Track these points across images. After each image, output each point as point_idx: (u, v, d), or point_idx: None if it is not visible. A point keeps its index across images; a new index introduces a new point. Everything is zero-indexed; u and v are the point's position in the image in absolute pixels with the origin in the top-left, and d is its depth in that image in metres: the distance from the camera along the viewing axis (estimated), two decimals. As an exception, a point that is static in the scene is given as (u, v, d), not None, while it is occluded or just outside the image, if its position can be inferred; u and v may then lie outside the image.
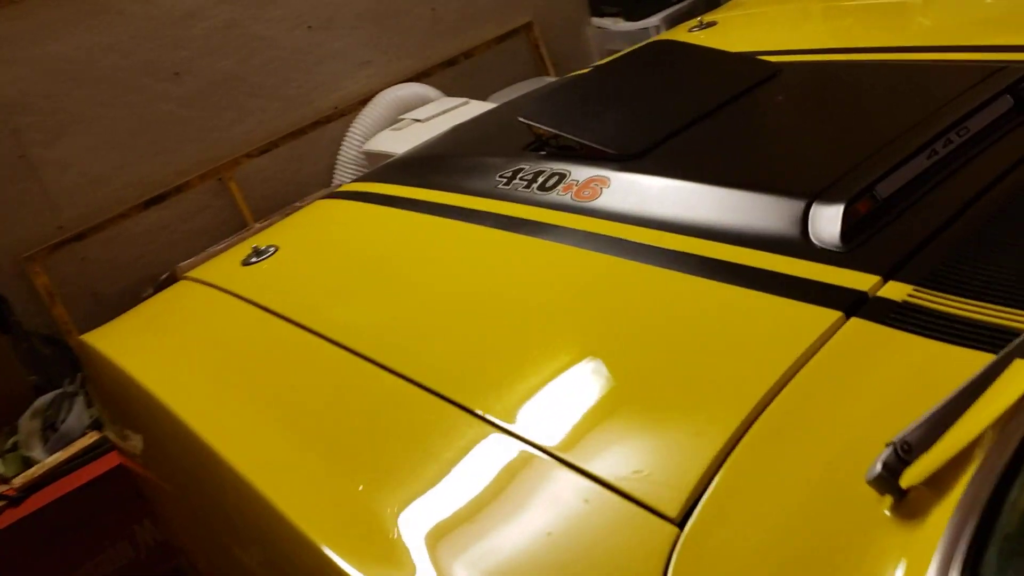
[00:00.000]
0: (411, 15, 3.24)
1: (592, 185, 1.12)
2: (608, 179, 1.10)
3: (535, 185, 1.19)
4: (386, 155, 2.48)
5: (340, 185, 2.65)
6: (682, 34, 1.91)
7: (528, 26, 3.49)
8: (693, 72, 1.30)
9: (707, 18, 1.87)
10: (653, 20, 3.24)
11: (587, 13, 3.58)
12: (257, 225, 2.57)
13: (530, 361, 0.88)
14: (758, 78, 1.22)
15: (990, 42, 1.21)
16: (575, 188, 1.13)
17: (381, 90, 3.11)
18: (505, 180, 1.26)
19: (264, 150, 3.03)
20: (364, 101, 3.13)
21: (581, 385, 0.82)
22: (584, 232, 1.05)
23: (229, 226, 2.91)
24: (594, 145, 1.15)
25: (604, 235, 1.03)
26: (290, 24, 3.02)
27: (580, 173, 1.15)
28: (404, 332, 1.03)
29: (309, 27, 3.04)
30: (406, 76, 3.23)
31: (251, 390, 1.04)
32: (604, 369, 0.83)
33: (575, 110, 1.27)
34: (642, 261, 0.96)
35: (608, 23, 3.46)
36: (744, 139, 1.12)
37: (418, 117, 2.64)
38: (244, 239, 1.53)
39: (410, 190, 1.43)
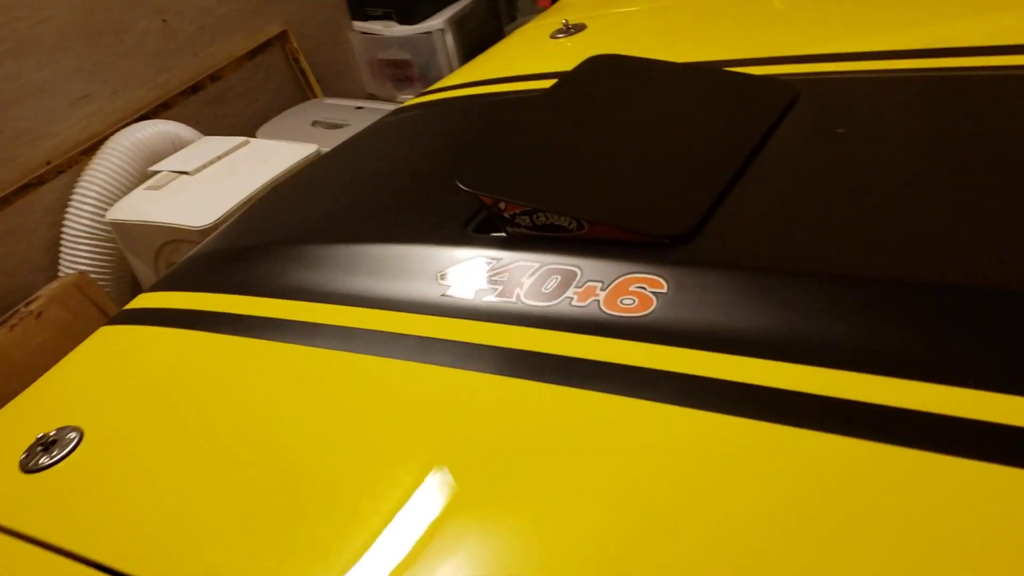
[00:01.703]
0: (135, 30, 2.56)
1: (634, 289, 0.71)
2: (662, 280, 0.70)
3: (520, 291, 0.77)
4: (147, 226, 1.85)
5: (77, 272, 1.98)
6: (544, 40, 1.55)
7: (282, 36, 2.93)
8: (688, 98, 0.93)
9: (573, 20, 1.52)
10: (436, 22, 2.84)
11: (347, 17, 3.09)
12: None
13: None
14: (780, 101, 0.88)
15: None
16: (602, 295, 0.72)
17: (111, 133, 2.41)
18: (451, 283, 0.81)
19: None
20: (89, 150, 2.41)
21: None
22: (660, 375, 0.65)
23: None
24: (621, 226, 0.75)
25: (699, 377, 0.63)
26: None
27: (602, 270, 0.74)
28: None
29: (-7, 54, 2.29)
30: (140, 111, 2.55)
31: None
32: None
33: (542, 168, 0.85)
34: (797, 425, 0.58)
35: (378, 27, 3.00)
36: (827, 191, 0.77)
37: (181, 168, 1.98)
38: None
39: (271, 304, 0.93)
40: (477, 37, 3.06)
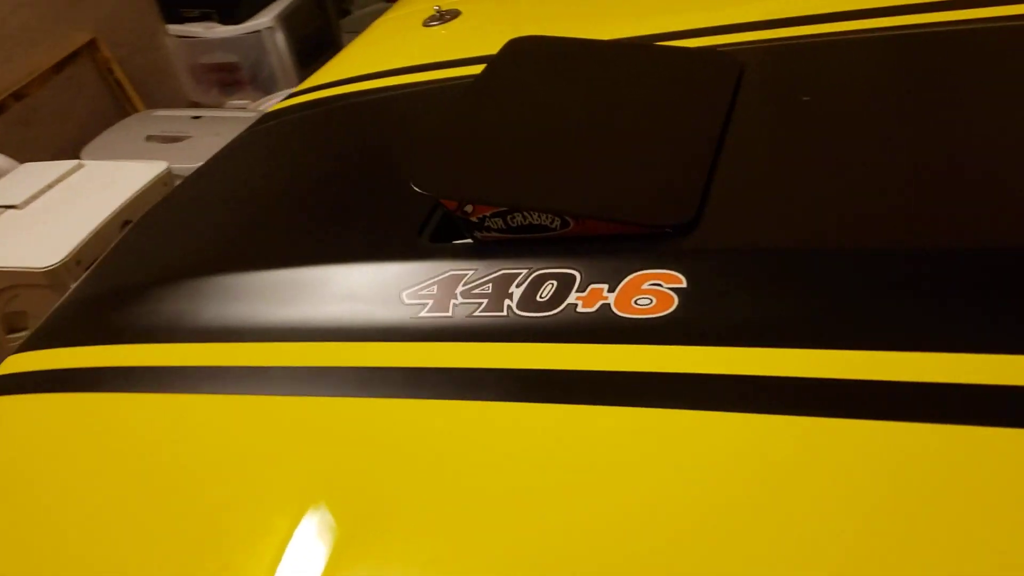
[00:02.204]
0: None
1: (648, 287, 0.64)
2: (679, 274, 0.64)
3: (511, 303, 0.68)
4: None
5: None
6: (417, 28, 1.46)
7: (92, 45, 2.64)
8: (633, 78, 0.86)
9: (445, 6, 1.44)
10: (263, 20, 2.64)
11: (160, 20, 2.83)
12: None
13: None
14: (730, 74, 0.84)
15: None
16: (612, 297, 0.65)
17: (-98, 163, 2.07)
18: (424, 302, 0.72)
19: None
20: None
21: None
22: (707, 380, 0.59)
23: None
24: (620, 219, 0.68)
25: (754, 377, 0.58)
26: None
27: (605, 270, 0.67)
28: None
29: None
30: (-68, 137, 2.23)
31: None
32: None
33: (511, 163, 0.77)
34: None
35: (197, 29, 2.76)
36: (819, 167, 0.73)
37: (5, 202, 1.72)
38: None
39: (193, 350, 0.80)
40: (308, 33, 2.90)
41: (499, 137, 0.77)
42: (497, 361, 0.66)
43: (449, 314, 0.70)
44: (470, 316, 0.69)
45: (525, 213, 0.71)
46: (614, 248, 0.67)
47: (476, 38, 1.35)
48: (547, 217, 0.71)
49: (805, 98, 0.80)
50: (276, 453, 0.67)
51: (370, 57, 1.45)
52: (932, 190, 0.66)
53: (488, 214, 0.72)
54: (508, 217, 0.72)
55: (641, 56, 0.91)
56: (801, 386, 0.56)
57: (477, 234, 0.74)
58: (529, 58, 0.91)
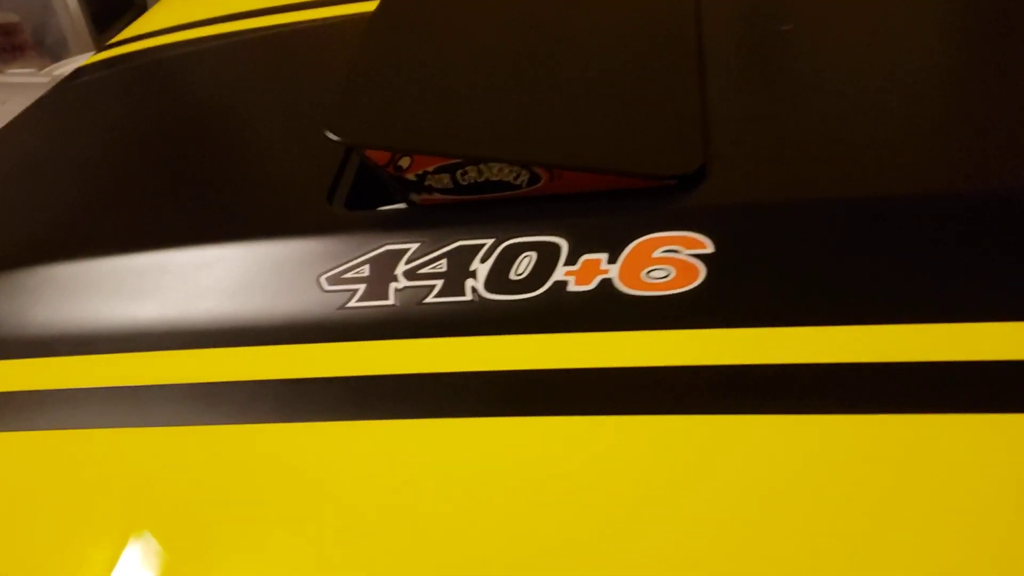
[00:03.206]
0: None
1: (662, 255, 0.50)
2: (702, 237, 0.49)
3: (476, 283, 0.51)
4: None
5: None
6: None
7: None
8: (577, 9, 0.70)
9: None
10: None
11: None
12: None
13: None
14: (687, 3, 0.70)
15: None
16: (614, 270, 0.50)
17: None
18: (352, 288, 0.54)
19: None
20: None
21: None
22: (762, 373, 0.45)
23: None
24: (614, 170, 0.52)
25: (831, 366, 0.44)
26: None
27: (600, 237, 0.51)
28: None
29: None
30: None
31: None
32: None
33: (461, 108, 0.59)
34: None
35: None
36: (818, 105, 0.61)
37: None
38: None
39: (12, 369, 0.58)
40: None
41: (436, 79, 0.60)
42: (464, 362, 0.49)
43: (390, 302, 0.52)
44: (420, 303, 0.52)
45: (482, 167, 0.54)
46: (605, 208, 0.52)
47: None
48: (510, 172, 0.54)
49: (786, 27, 0.67)
50: (152, 518, 0.48)
51: (200, 4, 1.22)
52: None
53: (431, 169, 0.55)
54: (458, 173, 0.55)
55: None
56: (886, 372, 0.43)
57: (415, 196, 0.57)
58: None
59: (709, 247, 0.49)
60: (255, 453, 0.49)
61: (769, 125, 0.58)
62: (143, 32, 1.10)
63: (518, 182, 0.55)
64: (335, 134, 0.54)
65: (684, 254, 0.49)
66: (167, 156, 0.77)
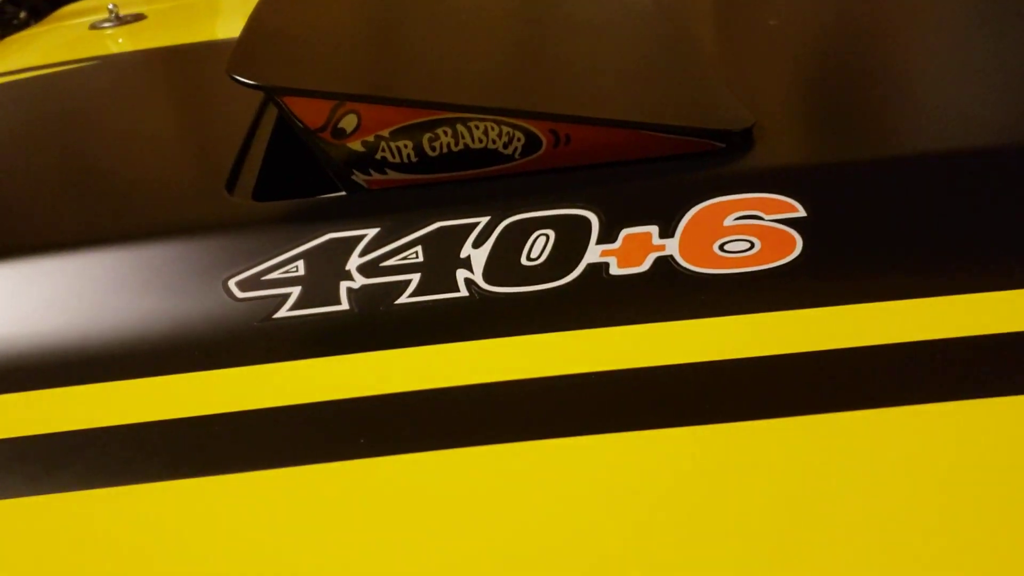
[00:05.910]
0: None
1: (735, 223, 0.35)
2: (793, 200, 0.36)
3: (473, 274, 0.35)
4: None
5: None
6: (83, 32, 1.10)
7: None
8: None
9: (125, 11, 1.10)
10: None
11: None
12: None
13: None
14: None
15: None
16: (672, 244, 0.35)
17: None
18: (279, 292, 0.36)
19: None
20: None
21: None
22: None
23: None
24: (668, 127, 0.38)
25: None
26: None
27: (647, 205, 0.36)
28: None
29: None
30: None
31: None
32: None
33: (412, 57, 0.44)
34: None
35: None
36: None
37: None
38: None
39: None
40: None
41: (393, 9, 0.45)
42: (467, 373, 0.32)
43: (343, 307, 0.35)
44: (390, 306, 0.35)
45: (460, 127, 0.39)
46: (642, 173, 0.38)
47: (152, 39, 1.01)
48: (502, 134, 0.39)
49: (772, 22, 0.58)
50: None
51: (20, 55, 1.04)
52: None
53: (386, 134, 0.39)
54: (426, 137, 0.39)
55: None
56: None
57: (360, 177, 0.40)
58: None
59: (800, 211, 0.35)
60: (131, 525, 0.29)
61: (789, 95, 0.47)
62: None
63: (509, 151, 0.40)
64: (245, 76, 0.37)
65: (767, 220, 0.35)
66: (30, 165, 0.57)
